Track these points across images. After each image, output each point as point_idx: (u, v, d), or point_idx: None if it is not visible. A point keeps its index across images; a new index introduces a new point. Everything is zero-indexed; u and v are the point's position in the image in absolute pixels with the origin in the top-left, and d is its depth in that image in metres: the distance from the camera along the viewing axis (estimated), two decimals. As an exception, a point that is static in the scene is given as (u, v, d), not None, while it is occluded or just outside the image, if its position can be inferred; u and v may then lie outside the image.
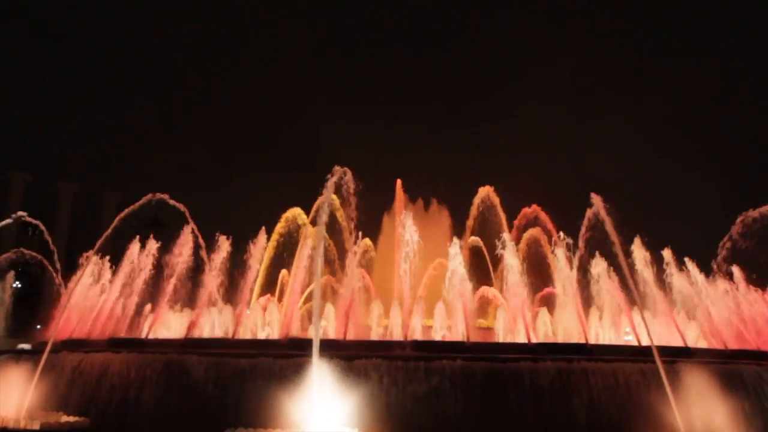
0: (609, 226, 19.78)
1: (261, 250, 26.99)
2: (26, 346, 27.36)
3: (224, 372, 18.05)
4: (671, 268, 25.71)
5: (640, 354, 18.83)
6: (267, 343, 22.36)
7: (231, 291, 26.09)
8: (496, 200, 34.23)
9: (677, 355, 18.98)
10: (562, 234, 26.47)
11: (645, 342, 20.09)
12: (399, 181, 36.18)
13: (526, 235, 31.20)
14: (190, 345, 21.13)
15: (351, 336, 21.75)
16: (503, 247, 25.59)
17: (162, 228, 29.38)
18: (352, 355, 17.79)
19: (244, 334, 25.14)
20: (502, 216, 33.72)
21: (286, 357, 17.96)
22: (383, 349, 19.38)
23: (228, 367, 18.09)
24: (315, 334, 14.72)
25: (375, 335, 25.03)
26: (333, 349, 17.59)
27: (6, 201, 73.44)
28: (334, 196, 29.46)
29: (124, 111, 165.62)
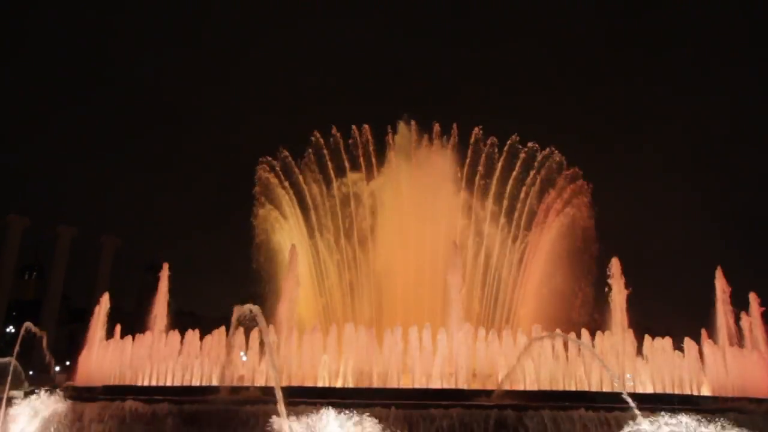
0: None
1: None
2: (17, 393, 26.90)
3: (201, 420, 17.86)
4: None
5: (646, 402, 18.16)
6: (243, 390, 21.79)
7: None
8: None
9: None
10: None
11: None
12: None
13: None
14: (179, 393, 21.12)
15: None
16: None
17: (159, 272, 29.33)
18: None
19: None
20: None
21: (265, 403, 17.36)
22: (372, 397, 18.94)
23: (205, 416, 17.87)
24: (275, 383, 14.42)
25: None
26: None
27: (4, 245, 73.33)
28: None
29: (122, 156, 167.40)
